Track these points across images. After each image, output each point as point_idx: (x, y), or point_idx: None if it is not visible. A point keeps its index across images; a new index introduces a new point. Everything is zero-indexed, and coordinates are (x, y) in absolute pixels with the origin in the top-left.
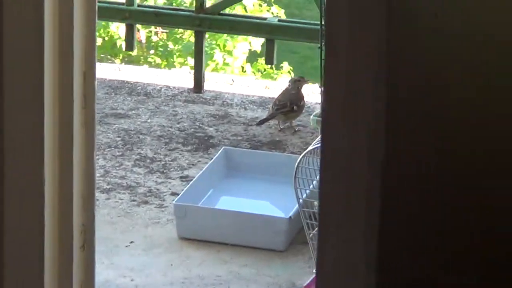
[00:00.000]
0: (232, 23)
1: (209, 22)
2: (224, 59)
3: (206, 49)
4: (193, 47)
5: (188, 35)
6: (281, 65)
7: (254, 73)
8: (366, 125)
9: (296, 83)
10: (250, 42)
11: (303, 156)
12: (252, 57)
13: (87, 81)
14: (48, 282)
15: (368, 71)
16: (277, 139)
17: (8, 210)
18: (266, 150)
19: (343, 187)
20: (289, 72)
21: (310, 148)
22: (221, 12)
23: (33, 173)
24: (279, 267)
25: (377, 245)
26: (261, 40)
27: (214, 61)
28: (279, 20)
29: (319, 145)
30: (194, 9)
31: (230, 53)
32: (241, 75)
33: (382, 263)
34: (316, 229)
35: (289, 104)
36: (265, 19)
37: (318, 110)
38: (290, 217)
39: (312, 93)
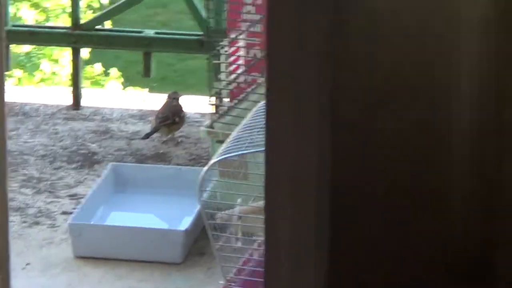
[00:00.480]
0: (109, 38)
1: (86, 39)
2: (52, 69)
3: (33, 59)
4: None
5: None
6: (109, 71)
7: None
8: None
9: (174, 96)
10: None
11: (208, 169)
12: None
13: None
14: None
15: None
16: (161, 151)
17: None
18: (151, 163)
19: (291, 203)
20: (118, 78)
21: (214, 160)
22: (97, 27)
23: None
24: (178, 279)
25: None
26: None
27: (41, 71)
28: (156, 33)
29: (223, 156)
30: (69, 26)
31: (56, 61)
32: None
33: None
34: (223, 240)
35: (171, 116)
36: (142, 32)
37: (208, 121)
38: (186, 229)
39: (196, 104)
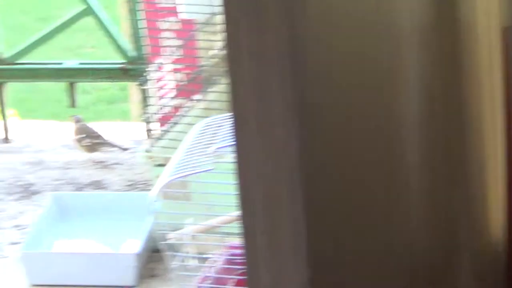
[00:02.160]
0: (33, 71)
1: (9, 73)
2: None
3: None
4: None
5: None
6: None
7: None
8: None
9: (77, 119)
10: None
11: (159, 191)
12: None
13: None
14: None
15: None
16: (97, 179)
17: None
18: (89, 191)
19: (266, 218)
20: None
21: (163, 183)
22: (19, 61)
23: None
24: None
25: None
26: None
27: None
28: (79, 63)
29: (167, 181)
30: None
31: None
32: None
33: None
34: (178, 260)
35: (93, 134)
36: (62, 63)
37: (145, 145)
38: (138, 252)
39: (123, 131)
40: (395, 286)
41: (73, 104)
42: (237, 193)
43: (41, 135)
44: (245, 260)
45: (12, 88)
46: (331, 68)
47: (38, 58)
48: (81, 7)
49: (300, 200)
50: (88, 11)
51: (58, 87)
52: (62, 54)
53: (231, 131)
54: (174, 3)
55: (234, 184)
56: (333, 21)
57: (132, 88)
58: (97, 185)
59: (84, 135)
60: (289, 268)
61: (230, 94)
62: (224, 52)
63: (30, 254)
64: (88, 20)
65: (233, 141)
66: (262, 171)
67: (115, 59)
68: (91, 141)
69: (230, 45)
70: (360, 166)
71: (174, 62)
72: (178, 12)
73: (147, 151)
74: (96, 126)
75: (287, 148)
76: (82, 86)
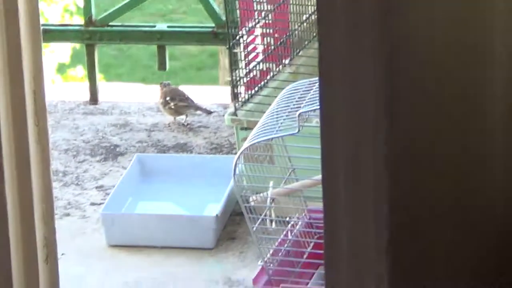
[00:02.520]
0: (122, 33)
1: (99, 35)
2: (66, 66)
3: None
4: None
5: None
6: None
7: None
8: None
9: (165, 84)
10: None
11: (241, 153)
12: (61, 68)
13: (38, 99)
14: None
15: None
16: (182, 142)
17: None
18: (173, 154)
19: (349, 179)
20: (82, 78)
21: (246, 145)
22: (110, 23)
23: None
24: (212, 264)
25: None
26: (68, 52)
27: (56, 68)
28: (168, 26)
29: (252, 142)
30: (83, 23)
31: (70, 57)
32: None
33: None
34: (258, 222)
35: (183, 97)
36: (154, 26)
37: (230, 109)
38: (217, 215)
39: (211, 95)
40: (473, 254)
41: (162, 67)
42: (321, 156)
43: (128, 97)
44: (325, 223)
45: (101, 53)
46: (419, 39)
47: (129, 23)
48: None
49: (382, 163)
50: None
51: (146, 53)
52: (152, 19)
53: (318, 95)
54: None
55: (318, 147)
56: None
57: (221, 54)
58: (182, 148)
59: (170, 98)
60: (369, 231)
61: (320, 58)
62: (317, 16)
63: (110, 215)
64: None
65: (320, 104)
66: (347, 134)
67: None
68: (178, 103)
69: (324, 10)
70: (444, 133)
71: (264, 26)
72: None
73: (233, 114)
74: (183, 89)
75: (373, 113)
76: (172, 52)
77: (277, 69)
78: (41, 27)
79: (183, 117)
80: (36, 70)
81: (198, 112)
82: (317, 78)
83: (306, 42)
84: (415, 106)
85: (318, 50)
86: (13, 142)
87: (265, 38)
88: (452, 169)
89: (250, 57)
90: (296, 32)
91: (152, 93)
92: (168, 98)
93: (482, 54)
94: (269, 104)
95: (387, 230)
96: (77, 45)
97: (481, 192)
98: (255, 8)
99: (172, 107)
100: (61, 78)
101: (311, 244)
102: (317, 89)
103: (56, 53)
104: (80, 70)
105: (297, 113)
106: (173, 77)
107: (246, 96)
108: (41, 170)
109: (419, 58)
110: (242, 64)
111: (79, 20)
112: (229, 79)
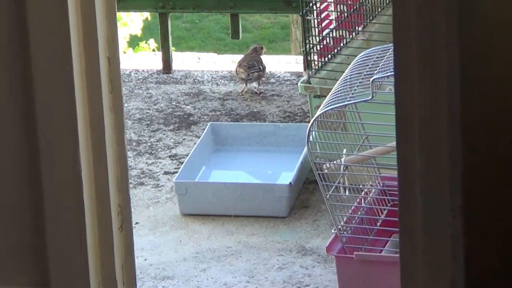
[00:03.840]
0: (196, 1)
1: (172, 3)
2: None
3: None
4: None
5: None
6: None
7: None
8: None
9: (258, 50)
10: (128, 27)
11: (314, 120)
12: (133, 41)
13: (112, 66)
14: (92, 266)
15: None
16: (255, 110)
17: (48, 198)
18: (246, 122)
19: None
20: (153, 50)
21: (320, 112)
22: None
23: (69, 161)
24: (285, 232)
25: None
26: (139, 24)
27: (126, 38)
28: None
29: (326, 109)
30: None
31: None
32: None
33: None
34: (332, 190)
35: (256, 64)
36: None
37: (304, 77)
38: (290, 183)
39: (283, 64)
40: None
41: (236, 36)
42: (395, 121)
43: (201, 66)
44: (400, 190)
45: (172, 26)
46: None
47: None
48: None
49: (459, 129)
50: None
51: (217, 26)
52: None
53: (392, 61)
54: None
55: (392, 114)
56: None
57: (292, 26)
58: (255, 116)
59: (239, 64)
60: (444, 196)
61: (394, 23)
62: None
63: (184, 184)
64: None
65: (395, 70)
66: (422, 100)
67: None
68: (238, 69)
69: None
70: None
71: None
72: None
73: (305, 82)
74: (263, 58)
75: (447, 79)
76: (244, 24)
77: (350, 36)
78: None
79: (256, 85)
80: (110, 36)
81: (271, 80)
82: (390, 45)
83: (379, 9)
84: (488, 72)
85: (392, 16)
86: (88, 110)
87: (338, 5)
88: None
89: (323, 24)
90: None
91: (224, 63)
92: (247, 64)
93: None
94: (342, 72)
95: (461, 194)
96: (149, 17)
97: None
98: None
99: (262, 69)
100: (132, 51)
101: (385, 212)
102: (391, 55)
103: (128, 26)
104: (152, 43)
105: (371, 79)
106: (245, 49)
107: (320, 64)
108: (116, 138)
109: (489, 24)
110: (315, 31)
111: None
112: (303, 49)
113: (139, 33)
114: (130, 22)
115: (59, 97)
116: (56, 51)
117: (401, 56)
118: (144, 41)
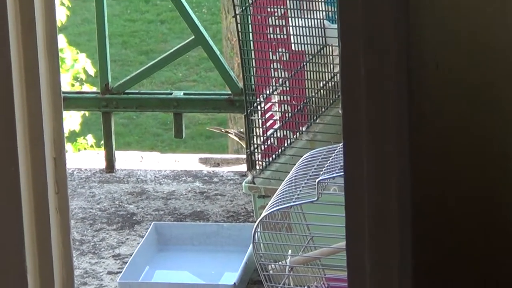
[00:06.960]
0: (139, 100)
1: (116, 102)
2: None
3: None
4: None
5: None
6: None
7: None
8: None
9: None
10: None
11: (260, 221)
12: (71, 137)
13: (58, 167)
14: None
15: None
16: (198, 209)
17: None
18: (190, 222)
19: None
20: (92, 146)
21: (264, 214)
22: (127, 91)
23: (16, 263)
24: None
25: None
26: (78, 120)
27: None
28: (184, 94)
29: (271, 210)
30: (99, 91)
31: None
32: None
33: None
34: None
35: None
36: (171, 93)
37: (248, 177)
38: (235, 283)
39: (226, 163)
40: None
41: (179, 135)
42: (345, 223)
43: (144, 165)
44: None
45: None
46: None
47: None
48: (190, 37)
49: (409, 235)
50: (199, 41)
51: (155, 121)
52: (163, 87)
53: (337, 162)
54: (285, 34)
55: (337, 215)
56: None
57: (230, 122)
58: (198, 216)
59: None
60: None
61: (344, 124)
62: (335, 82)
63: (127, 284)
64: (189, 54)
65: (343, 170)
66: (372, 200)
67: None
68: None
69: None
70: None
71: (281, 94)
72: (289, 43)
73: (250, 182)
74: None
75: (397, 180)
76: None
77: (294, 136)
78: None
79: (199, 184)
80: (56, 136)
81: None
82: (335, 146)
83: (323, 109)
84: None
85: (342, 117)
86: (34, 212)
87: (282, 105)
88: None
89: (268, 124)
90: (313, 99)
91: (167, 162)
92: None
93: None
94: (287, 172)
95: None
96: (87, 113)
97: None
98: (272, 75)
99: None
100: (71, 146)
101: None
102: (336, 156)
103: (66, 120)
104: (90, 139)
105: (317, 180)
106: (182, 145)
107: (264, 164)
108: (61, 239)
109: (442, 133)
110: (259, 131)
111: (88, 88)
112: (247, 150)
113: (77, 128)
114: (69, 117)
115: (3, 199)
116: (1, 152)
117: (350, 156)
118: (82, 137)
